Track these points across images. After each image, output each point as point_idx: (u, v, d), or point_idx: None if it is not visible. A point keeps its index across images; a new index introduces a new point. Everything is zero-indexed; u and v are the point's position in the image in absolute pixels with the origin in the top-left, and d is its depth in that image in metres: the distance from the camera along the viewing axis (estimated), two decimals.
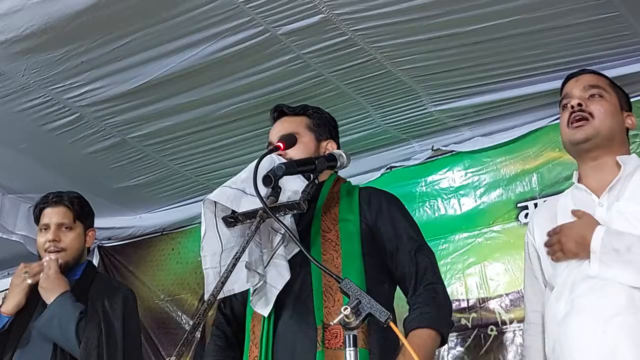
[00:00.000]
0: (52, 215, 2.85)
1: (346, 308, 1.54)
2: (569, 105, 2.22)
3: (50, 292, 2.69)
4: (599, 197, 2.13)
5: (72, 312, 2.65)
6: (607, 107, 2.19)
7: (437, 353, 3.57)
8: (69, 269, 2.82)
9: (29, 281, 2.73)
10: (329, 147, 2.32)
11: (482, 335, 3.49)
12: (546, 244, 2.17)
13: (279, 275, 2.06)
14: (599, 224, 2.05)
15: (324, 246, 2.11)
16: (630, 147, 2.31)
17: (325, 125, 2.37)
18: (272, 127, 2.35)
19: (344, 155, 2.12)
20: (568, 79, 2.31)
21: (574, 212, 2.13)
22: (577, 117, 2.17)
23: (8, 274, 4.96)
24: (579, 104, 2.18)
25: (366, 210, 2.20)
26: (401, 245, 2.16)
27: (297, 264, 2.09)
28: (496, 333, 3.46)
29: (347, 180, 2.38)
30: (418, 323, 2.04)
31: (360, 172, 3.91)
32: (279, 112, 2.37)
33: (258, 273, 2.05)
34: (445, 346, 3.56)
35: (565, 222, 2.15)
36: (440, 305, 2.10)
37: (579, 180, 2.22)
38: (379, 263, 2.16)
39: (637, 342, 1.94)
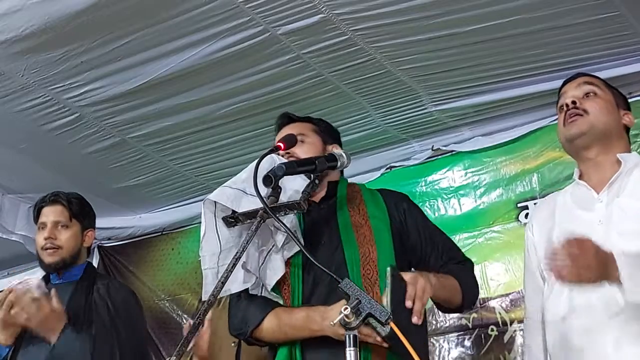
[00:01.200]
0: (49, 213, 2.87)
1: (346, 308, 1.54)
2: (564, 105, 2.24)
3: (52, 331, 2.58)
4: (598, 194, 2.13)
5: (82, 347, 2.58)
6: (602, 103, 2.21)
7: (437, 353, 3.57)
8: (67, 269, 2.83)
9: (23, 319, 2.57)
10: (335, 150, 2.33)
11: (482, 335, 3.49)
12: (550, 263, 1.92)
13: (273, 273, 2.09)
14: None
15: (359, 240, 2.14)
16: (631, 147, 2.31)
17: (329, 132, 2.43)
18: (279, 134, 2.37)
19: (344, 155, 2.13)
20: (564, 84, 2.33)
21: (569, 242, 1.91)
22: (571, 114, 2.19)
23: (8, 273, 4.97)
24: (573, 102, 2.20)
25: (394, 211, 2.26)
26: (436, 252, 2.27)
27: (331, 264, 2.08)
28: (496, 333, 3.46)
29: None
30: (448, 272, 2.18)
31: (360, 172, 3.90)
32: (288, 118, 2.41)
33: (253, 273, 2.06)
34: (446, 346, 3.56)
35: (564, 224, 2.13)
36: (472, 276, 2.28)
37: (580, 177, 2.22)
38: (406, 262, 2.20)
39: (637, 341, 1.94)
